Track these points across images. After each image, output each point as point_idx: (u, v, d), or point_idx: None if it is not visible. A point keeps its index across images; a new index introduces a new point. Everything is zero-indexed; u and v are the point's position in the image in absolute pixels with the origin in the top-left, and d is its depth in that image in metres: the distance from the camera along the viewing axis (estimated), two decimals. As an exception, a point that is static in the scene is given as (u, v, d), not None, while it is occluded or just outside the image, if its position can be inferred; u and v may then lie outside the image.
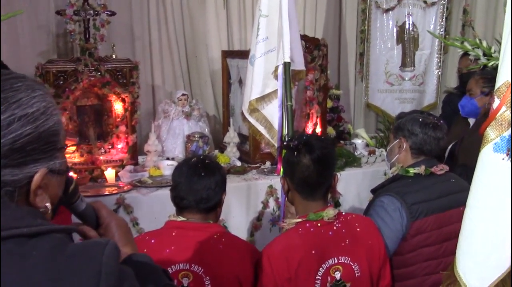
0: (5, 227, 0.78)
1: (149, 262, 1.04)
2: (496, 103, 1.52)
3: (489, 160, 1.51)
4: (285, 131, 2.58)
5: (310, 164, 1.85)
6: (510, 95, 1.46)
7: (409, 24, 5.31)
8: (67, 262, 0.79)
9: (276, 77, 2.61)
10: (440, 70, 5.37)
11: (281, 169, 2.54)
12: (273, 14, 2.65)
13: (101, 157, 3.57)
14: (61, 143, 0.91)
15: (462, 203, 2.17)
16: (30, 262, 0.77)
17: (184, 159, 2.19)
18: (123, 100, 3.61)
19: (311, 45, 3.86)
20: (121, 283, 0.82)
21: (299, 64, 2.68)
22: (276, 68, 2.60)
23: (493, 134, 1.50)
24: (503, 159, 1.48)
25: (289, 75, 2.55)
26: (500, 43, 3.36)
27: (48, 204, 0.89)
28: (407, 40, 5.34)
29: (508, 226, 1.50)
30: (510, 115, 1.48)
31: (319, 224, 1.88)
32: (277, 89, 2.64)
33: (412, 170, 2.18)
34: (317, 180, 1.89)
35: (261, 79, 2.71)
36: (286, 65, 2.55)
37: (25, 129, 0.82)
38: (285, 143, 1.95)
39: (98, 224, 1.10)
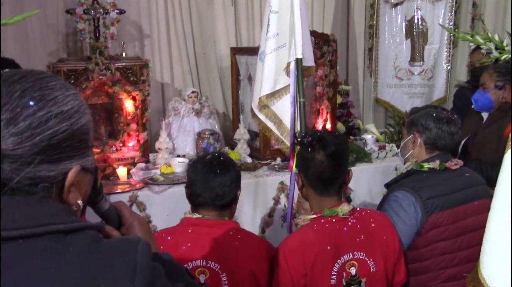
0: (42, 223, 0.80)
1: (172, 261, 1.05)
2: None
3: None
4: (298, 128, 2.58)
5: (324, 160, 1.86)
6: None
7: (418, 18, 5.28)
8: (102, 258, 0.81)
9: (288, 73, 2.60)
10: (450, 64, 5.33)
11: (294, 165, 2.56)
12: (283, 10, 2.65)
13: (113, 155, 3.59)
14: (91, 142, 0.93)
15: (477, 197, 2.19)
16: (67, 258, 0.79)
17: (198, 157, 2.20)
18: (133, 98, 3.62)
19: (320, 40, 3.85)
20: (154, 280, 0.84)
21: (309, 60, 2.67)
22: (288, 64, 2.60)
23: None
24: None
25: (301, 71, 2.55)
26: (511, 36, 3.35)
27: (80, 201, 0.90)
28: (416, 35, 5.31)
29: None
30: None
31: (334, 220, 1.89)
32: (287, 86, 2.64)
33: (426, 165, 2.18)
34: (331, 176, 1.89)
35: (272, 76, 2.71)
36: (298, 61, 2.55)
37: (61, 126, 0.84)
38: (298, 139, 1.95)
39: (120, 224, 1.12)
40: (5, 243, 0.76)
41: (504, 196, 1.52)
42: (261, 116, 2.79)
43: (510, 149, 1.49)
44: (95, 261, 0.80)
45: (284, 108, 2.68)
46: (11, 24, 2.50)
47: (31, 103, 0.81)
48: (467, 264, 2.12)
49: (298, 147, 2.11)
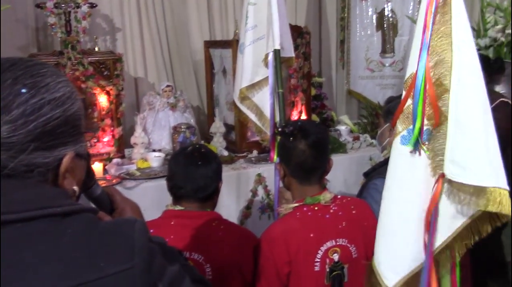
0: (40, 206, 0.80)
1: (166, 243, 1.06)
2: (403, 95, 1.53)
3: (397, 153, 1.52)
4: (277, 118, 2.60)
5: (306, 149, 1.88)
6: (413, 87, 1.45)
7: (387, 10, 5.35)
8: (101, 238, 0.82)
9: (266, 64, 2.62)
10: (419, 55, 5.43)
11: (275, 156, 2.58)
12: (261, 2, 2.66)
13: (88, 151, 3.54)
14: (83, 128, 0.93)
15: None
16: (66, 240, 0.79)
17: (179, 149, 2.19)
18: (107, 93, 3.59)
19: (294, 33, 3.84)
20: (153, 258, 0.85)
21: (288, 51, 2.69)
22: (267, 55, 2.61)
23: (400, 127, 1.51)
24: (410, 151, 1.48)
25: (279, 62, 2.56)
26: (475, 30, 3.44)
27: (75, 187, 0.91)
28: (386, 27, 5.38)
29: (414, 220, 1.48)
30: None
31: (316, 208, 1.91)
32: (267, 77, 2.65)
33: (403, 153, 2.21)
34: (313, 165, 1.92)
35: (251, 67, 2.72)
36: (276, 52, 2.56)
37: (55, 112, 0.84)
38: (279, 129, 1.97)
39: (112, 209, 1.12)
40: (4, 227, 0.77)
41: (390, 185, 1.55)
42: (243, 108, 2.80)
43: (394, 140, 1.52)
44: (94, 242, 0.81)
45: (265, 99, 2.70)
46: None
47: (24, 90, 0.81)
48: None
49: (278, 138, 2.12)
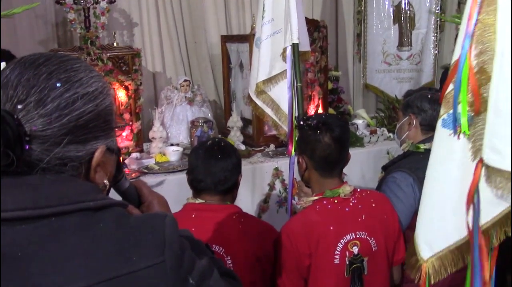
0: (73, 201, 0.82)
1: (193, 237, 1.07)
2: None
3: (439, 134, 1.59)
4: (295, 112, 2.59)
5: (332, 142, 1.90)
6: (455, 73, 1.50)
7: (405, 3, 5.31)
8: (132, 232, 0.84)
9: (284, 58, 2.61)
10: (437, 48, 5.38)
11: (293, 150, 2.59)
12: (278, -5, 2.65)
13: (107, 146, 3.58)
14: (114, 123, 0.95)
15: (472, 176, 2.24)
16: (98, 233, 0.81)
17: (199, 143, 2.21)
18: (126, 88, 3.62)
19: (310, 27, 3.86)
20: (183, 253, 0.86)
21: (305, 45, 2.68)
22: (285, 49, 2.60)
23: (442, 110, 1.57)
24: (449, 134, 1.54)
25: (298, 56, 2.56)
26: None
27: (106, 181, 0.93)
28: (403, 20, 5.35)
29: (455, 201, 1.54)
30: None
31: (336, 201, 1.92)
32: (284, 71, 2.65)
33: (422, 146, 2.22)
34: (337, 158, 1.95)
35: (268, 61, 2.71)
36: (295, 46, 2.55)
37: (88, 106, 0.85)
38: (302, 122, 1.97)
39: (139, 203, 1.13)
40: (39, 221, 0.78)
41: (432, 165, 1.61)
42: (259, 102, 2.80)
43: (437, 122, 1.56)
44: (126, 236, 0.83)
45: (281, 94, 2.69)
46: (10, 16, 2.47)
47: (58, 84, 0.83)
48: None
49: (297, 132, 2.13)
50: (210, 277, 0.91)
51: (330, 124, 1.91)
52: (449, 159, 1.55)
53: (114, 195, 1.08)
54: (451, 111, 1.53)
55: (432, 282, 1.62)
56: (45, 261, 0.77)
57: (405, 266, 1.74)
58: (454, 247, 1.58)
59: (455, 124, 1.51)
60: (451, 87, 1.53)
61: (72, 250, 0.78)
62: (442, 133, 1.57)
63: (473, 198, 1.48)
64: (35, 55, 0.87)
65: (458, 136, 1.51)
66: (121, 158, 1.06)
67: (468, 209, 1.50)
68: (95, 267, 0.78)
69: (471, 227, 1.50)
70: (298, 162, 2.03)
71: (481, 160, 1.45)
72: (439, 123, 1.58)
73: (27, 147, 0.79)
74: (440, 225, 1.60)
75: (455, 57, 1.52)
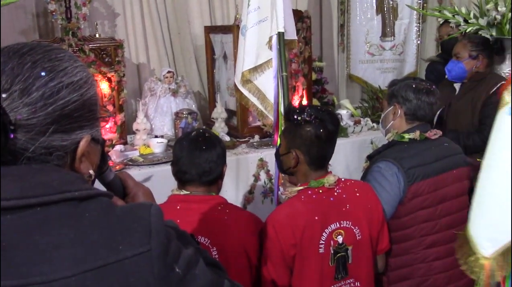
0: (58, 191, 0.81)
1: (178, 227, 1.07)
2: None
3: (504, 122, 1.52)
4: (281, 102, 2.59)
5: (327, 140, 1.91)
6: None
7: (388, -7, 5.33)
8: (118, 222, 0.84)
9: (270, 47, 2.60)
10: (419, 39, 5.41)
11: (278, 139, 2.59)
12: (264, -17, 2.63)
13: (90, 138, 3.55)
14: (99, 113, 0.94)
15: (456, 166, 2.26)
16: (85, 223, 0.81)
17: (184, 134, 2.20)
18: (109, 80, 3.59)
19: (294, 17, 3.84)
20: (169, 242, 0.86)
21: (291, 34, 2.67)
22: (270, 38, 2.59)
23: (508, 98, 1.51)
24: None
25: (283, 45, 2.55)
26: (478, 7, 3.43)
27: (91, 171, 0.93)
28: (386, 10, 5.36)
29: None
30: None
31: (320, 191, 1.93)
32: (269, 60, 2.64)
33: (407, 136, 2.23)
34: (330, 153, 1.98)
35: (254, 50, 2.70)
36: (280, 35, 2.54)
37: (72, 96, 0.85)
38: (296, 116, 1.94)
39: (124, 194, 1.13)
40: (24, 211, 0.78)
41: (495, 155, 1.56)
42: (244, 91, 2.78)
43: (501, 110, 1.53)
44: (112, 225, 0.83)
45: (267, 83, 2.68)
46: None
47: (43, 73, 0.83)
48: (446, 231, 2.20)
49: (285, 123, 2.12)
50: (196, 266, 0.91)
51: (326, 121, 1.91)
52: None
53: (99, 186, 1.08)
54: None
55: (498, 280, 1.56)
56: (32, 251, 0.76)
57: (464, 269, 1.63)
58: None
59: None
60: None
61: (58, 240, 0.78)
62: (507, 120, 1.49)
63: None
64: (19, 44, 0.86)
65: None
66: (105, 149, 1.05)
67: None
68: (82, 256, 0.78)
69: None
70: (288, 156, 2.00)
71: None
72: (504, 111, 1.51)
73: (12, 136, 0.79)
74: (503, 217, 1.52)
75: None
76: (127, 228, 0.83)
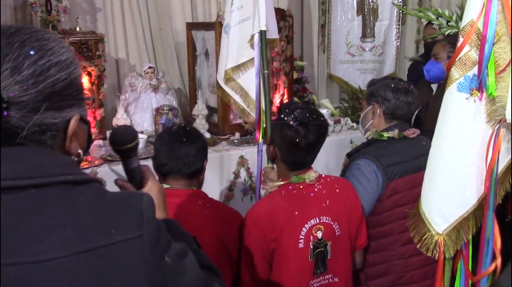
0: (53, 173, 0.83)
1: (180, 226, 1.09)
2: (460, 41, 1.54)
3: (453, 100, 1.54)
4: (263, 100, 2.60)
5: (306, 147, 1.91)
6: (473, 33, 1.48)
7: (368, -5, 5.39)
8: (111, 207, 0.85)
9: (252, 45, 2.62)
10: (399, 40, 5.48)
11: (260, 137, 2.60)
12: (247, -18, 2.65)
13: (69, 133, 3.52)
14: (83, 94, 0.96)
15: (433, 164, 2.30)
16: (77, 206, 0.82)
17: (165, 128, 2.20)
18: (89, 74, 3.55)
19: (277, 16, 3.86)
20: (159, 230, 0.88)
21: (273, 33, 2.69)
22: (252, 36, 2.61)
23: (457, 74, 1.53)
24: (466, 98, 1.51)
25: (265, 43, 2.57)
26: (460, 9, 3.50)
27: (80, 151, 0.95)
28: (367, 11, 5.42)
29: (470, 165, 1.54)
30: (474, 54, 1.49)
31: (301, 186, 1.95)
32: (252, 58, 2.65)
33: (386, 134, 2.26)
34: (309, 160, 1.99)
35: (236, 48, 2.71)
36: (262, 34, 2.56)
37: (61, 74, 0.87)
38: (283, 115, 1.93)
39: (140, 186, 1.14)
40: (19, 192, 0.80)
41: (444, 133, 1.58)
42: (227, 89, 2.80)
43: (449, 87, 1.55)
44: (105, 209, 0.84)
45: (250, 81, 2.69)
46: None
47: (32, 52, 0.84)
48: (423, 228, 2.24)
49: (266, 120, 2.12)
50: (184, 259, 0.93)
51: (310, 129, 1.88)
52: (464, 124, 1.52)
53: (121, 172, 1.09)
54: (469, 73, 1.48)
55: (452, 254, 1.62)
56: (24, 232, 0.78)
57: (420, 248, 1.69)
58: (467, 213, 1.58)
59: (470, 87, 1.48)
60: (467, 48, 1.48)
61: (51, 222, 0.79)
62: (457, 97, 1.52)
63: (497, 159, 1.47)
64: (4, 26, 0.87)
65: (480, 97, 1.49)
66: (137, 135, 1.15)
67: (491, 170, 1.49)
68: (74, 238, 0.79)
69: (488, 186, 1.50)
70: (269, 147, 2.02)
71: (504, 120, 1.45)
72: (454, 87, 1.52)
73: (5, 113, 0.81)
74: (455, 193, 1.58)
75: (469, 16, 1.48)
76: (119, 213, 0.85)
